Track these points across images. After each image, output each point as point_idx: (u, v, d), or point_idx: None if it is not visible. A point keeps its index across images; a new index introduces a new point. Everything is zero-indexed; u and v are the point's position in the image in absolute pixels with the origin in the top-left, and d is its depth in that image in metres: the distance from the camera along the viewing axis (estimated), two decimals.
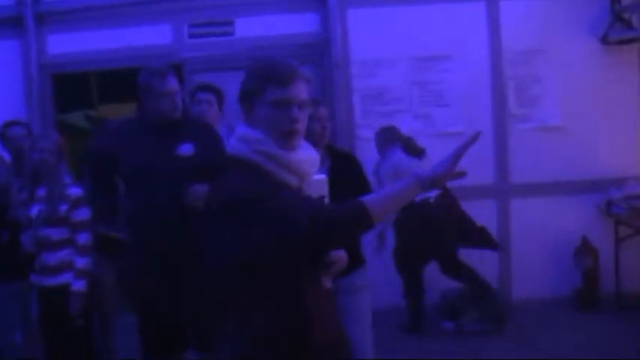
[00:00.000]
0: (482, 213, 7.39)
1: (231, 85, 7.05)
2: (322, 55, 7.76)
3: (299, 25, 7.66)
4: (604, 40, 7.71)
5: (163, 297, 4.90)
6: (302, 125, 2.87)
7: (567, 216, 7.84)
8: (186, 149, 4.94)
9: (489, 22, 7.82)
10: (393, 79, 7.81)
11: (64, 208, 5.10)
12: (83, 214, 5.16)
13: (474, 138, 2.70)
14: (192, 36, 7.74)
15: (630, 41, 7.69)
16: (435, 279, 7.42)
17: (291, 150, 2.85)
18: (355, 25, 7.69)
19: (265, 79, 2.84)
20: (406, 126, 7.64)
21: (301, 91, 2.86)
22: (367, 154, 6.96)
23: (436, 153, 7.57)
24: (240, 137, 2.87)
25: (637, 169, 7.82)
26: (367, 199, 2.67)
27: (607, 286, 7.69)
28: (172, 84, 4.95)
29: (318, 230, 2.60)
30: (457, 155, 2.69)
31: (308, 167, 2.91)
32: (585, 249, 7.68)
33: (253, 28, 7.71)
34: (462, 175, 2.73)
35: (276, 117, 2.83)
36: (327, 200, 2.99)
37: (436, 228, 7.03)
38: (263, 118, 2.85)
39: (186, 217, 4.79)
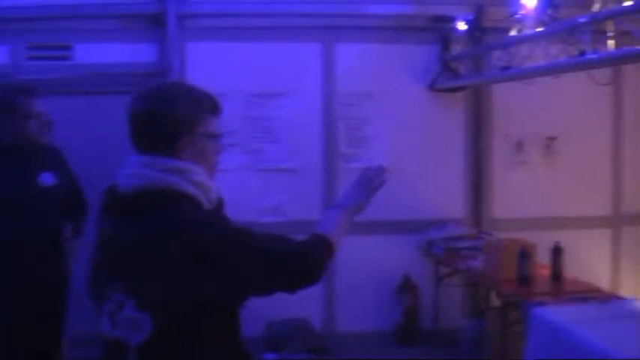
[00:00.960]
0: None
1: (69, 109, 7.09)
2: None
3: (138, 54, 7.63)
4: (432, 87, 8.06)
5: (26, 331, 4.71)
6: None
7: (390, 254, 8.10)
8: (47, 178, 4.74)
9: (324, 63, 8.02)
10: (228, 112, 7.88)
11: None
12: None
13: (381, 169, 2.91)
14: (30, 58, 7.66)
15: (457, 89, 8.08)
16: (261, 309, 7.52)
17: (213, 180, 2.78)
18: (194, 57, 7.74)
19: (202, 109, 2.71)
20: (237, 160, 7.76)
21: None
22: None
23: (266, 187, 7.84)
24: (167, 168, 2.61)
25: (456, 213, 8.19)
26: (325, 232, 2.74)
27: (426, 322, 8.04)
28: (39, 104, 4.68)
29: (310, 265, 2.64)
30: (370, 189, 2.90)
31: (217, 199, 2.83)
32: (406, 286, 7.97)
33: (92, 54, 7.66)
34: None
35: (211, 148, 2.73)
36: None
37: None
38: (196, 149, 2.68)
39: (56, 251, 4.66)
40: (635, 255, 8.64)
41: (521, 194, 8.30)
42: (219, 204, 2.83)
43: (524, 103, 8.11)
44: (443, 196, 8.19)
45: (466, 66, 8.03)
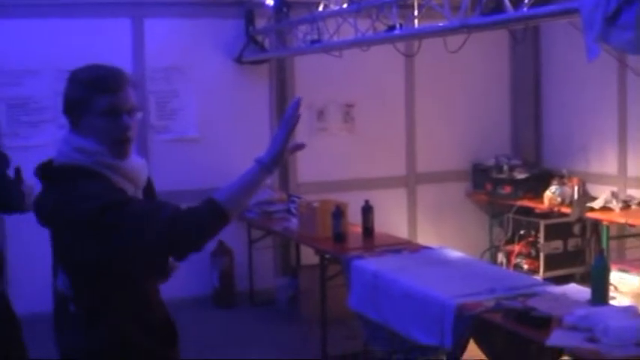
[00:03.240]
0: None
1: None
2: None
3: None
4: (239, 60, 8.42)
5: None
6: (133, 132, 2.82)
7: None
8: None
9: (134, 38, 8.21)
10: (38, 89, 7.93)
11: None
12: None
13: (297, 107, 2.70)
14: None
15: (262, 62, 8.49)
16: None
17: (125, 158, 2.81)
18: (2, 34, 7.74)
19: (92, 87, 2.76)
20: (51, 134, 7.79)
21: (129, 97, 2.80)
22: None
23: None
24: (76, 148, 2.77)
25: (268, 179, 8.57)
26: (218, 195, 2.66)
27: (242, 284, 8.45)
28: None
29: (176, 232, 2.60)
30: (287, 130, 2.69)
31: (141, 174, 2.92)
32: (221, 250, 8.31)
33: None
34: (301, 147, 2.81)
35: (107, 126, 2.76)
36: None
37: None
38: (93, 128, 2.77)
39: None
40: (428, 210, 9.40)
41: (324, 159, 8.81)
42: (148, 183, 3.01)
43: (324, 73, 8.62)
44: (251, 163, 8.51)
45: (271, 39, 8.41)
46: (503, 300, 4.64)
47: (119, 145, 2.79)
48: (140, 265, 2.83)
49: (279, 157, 2.74)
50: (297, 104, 2.73)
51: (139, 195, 2.92)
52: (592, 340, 3.83)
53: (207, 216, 2.63)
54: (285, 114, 2.73)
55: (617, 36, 3.57)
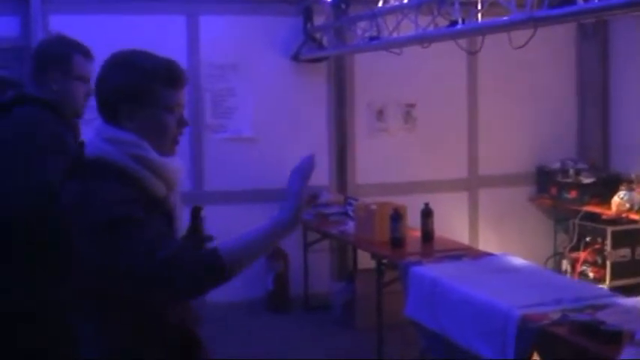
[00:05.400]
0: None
1: None
2: (22, 60, 7.64)
3: (1, 28, 7.51)
4: (296, 58, 8.23)
5: None
6: None
7: (258, 222, 8.19)
8: None
9: (189, 35, 8.08)
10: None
11: None
12: None
13: (311, 161, 2.52)
14: None
15: (320, 60, 8.28)
16: None
17: (171, 157, 2.65)
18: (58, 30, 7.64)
19: (159, 79, 2.57)
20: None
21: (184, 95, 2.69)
22: None
23: None
24: (108, 138, 2.55)
25: (322, 180, 8.37)
26: (224, 249, 2.42)
27: (297, 288, 8.23)
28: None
29: (166, 278, 2.37)
30: (302, 183, 2.50)
31: (179, 176, 2.71)
32: (276, 253, 8.11)
33: None
34: (315, 197, 2.65)
35: (169, 122, 2.61)
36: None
37: None
38: (150, 122, 2.59)
39: None
40: (490, 214, 9.10)
41: (383, 160, 8.59)
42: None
43: (384, 71, 8.39)
44: None
45: (329, 37, 8.20)
46: (569, 312, 4.34)
47: (173, 143, 2.66)
48: (131, 290, 2.51)
49: (296, 214, 2.53)
50: (311, 158, 2.54)
51: (172, 197, 2.70)
52: None
53: (203, 270, 2.39)
54: (299, 166, 2.53)
55: None
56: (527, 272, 5.63)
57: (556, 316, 4.31)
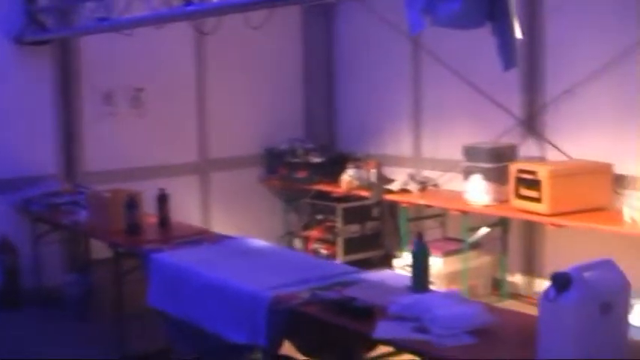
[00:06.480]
0: None
1: None
2: None
3: None
4: (19, 41, 7.79)
5: None
6: None
7: None
8: None
9: None
10: None
11: None
12: None
13: None
14: None
15: (44, 42, 7.88)
16: None
17: None
18: None
19: None
20: None
21: None
22: None
23: None
24: None
25: (50, 169, 8.04)
26: None
27: (28, 282, 7.82)
28: None
29: None
30: None
31: None
32: (4, 247, 7.69)
33: None
34: None
35: None
36: None
37: None
38: None
39: None
40: (221, 197, 9.09)
41: (113, 146, 8.32)
42: None
43: (112, 55, 8.13)
44: (34, 152, 7.96)
45: (54, 18, 7.83)
46: (318, 290, 4.38)
47: None
48: None
49: None
50: None
51: None
52: (421, 329, 3.63)
53: None
54: None
55: (444, 8, 3.38)
56: (269, 253, 5.67)
57: (305, 295, 4.33)
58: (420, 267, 4.29)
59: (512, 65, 3.59)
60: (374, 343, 3.94)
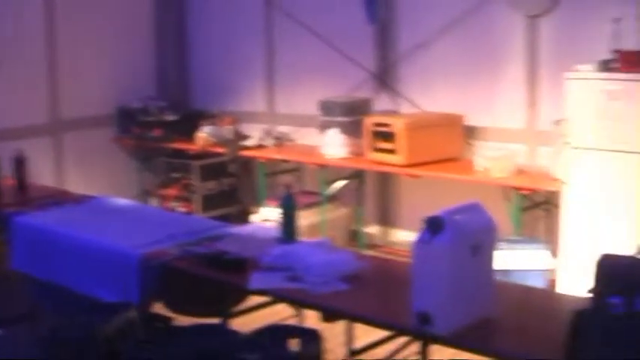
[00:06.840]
0: None
1: None
2: None
3: None
4: None
5: None
6: None
7: None
8: None
9: None
10: None
11: None
12: None
13: None
14: None
15: None
16: None
17: None
18: None
19: None
20: None
21: None
22: None
23: None
24: None
25: None
26: None
27: None
28: None
29: None
30: None
31: None
32: None
33: None
34: None
35: None
36: None
37: None
38: None
39: None
40: (75, 157, 8.91)
41: None
42: None
43: None
44: None
45: None
46: (187, 246, 4.41)
47: None
48: None
49: None
50: None
51: None
52: (294, 279, 3.73)
53: None
54: None
55: None
56: (134, 211, 5.65)
57: (176, 251, 4.35)
58: (289, 218, 4.37)
59: (377, 19, 3.68)
60: (244, 296, 4.01)
